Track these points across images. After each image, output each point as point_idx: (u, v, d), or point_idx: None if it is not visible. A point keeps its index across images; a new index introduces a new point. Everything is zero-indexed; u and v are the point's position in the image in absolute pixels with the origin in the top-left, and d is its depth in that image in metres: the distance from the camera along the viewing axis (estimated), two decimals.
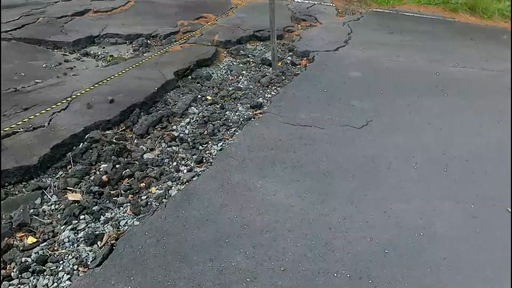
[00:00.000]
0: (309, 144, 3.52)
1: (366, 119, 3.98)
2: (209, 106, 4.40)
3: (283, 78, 5.09)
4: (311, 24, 7.20)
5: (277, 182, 3.02)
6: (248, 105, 4.44)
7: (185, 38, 5.97)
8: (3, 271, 2.53)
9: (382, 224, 2.69)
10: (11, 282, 2.43)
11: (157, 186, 3.20)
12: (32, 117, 3.38)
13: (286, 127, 3.77)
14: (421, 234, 2.64)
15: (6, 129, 3.34)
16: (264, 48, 6.10)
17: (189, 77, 4.98)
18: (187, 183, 3.17)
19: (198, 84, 4.88)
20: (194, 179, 3.19)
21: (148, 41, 5.82)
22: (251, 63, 5.61)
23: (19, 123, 3.48)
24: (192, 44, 5.65)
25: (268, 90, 4.79)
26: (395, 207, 2.85)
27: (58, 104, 3.94)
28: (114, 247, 2.42)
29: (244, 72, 5.33)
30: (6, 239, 2.73)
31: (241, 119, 4.14)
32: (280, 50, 5.92)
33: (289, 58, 5.76)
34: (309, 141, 3.57)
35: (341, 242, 2.51)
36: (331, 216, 2.72)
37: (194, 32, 6.20)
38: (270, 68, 5.40)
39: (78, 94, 4.01)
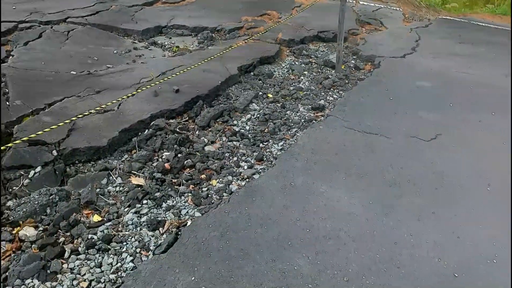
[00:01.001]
0: (374, 153, 3.40)
1: (435, 132, 3.78)
2: (270, 104, 4.38)
3: (346, 82, 4.97)
4: (376, 28, 6.99)
5: (341, 188, 2.94)
6: (310, 106, 4.38)
7: (249, 34, 5.99)
8: (71, 245, 2.65)
9: (452, 246, 2.53)
10: (78, 257, 2.53)
11: (218, 179, 3.23)
12: (105, 105, 3.52)
13: (351, 133, 3.67)
14: (494, 261, 2.46)
15: (87, 112, 3.51)
16: (327, 49, 6.00)
17: (251, 73, 4.99)
18: (247, 180, 3.17)
19: (260, 81, 4.88)
20: (255, 176, 3.19)
21: (213, 34, 5.89)
22: (313, 64, 5.53)
23: (102, 106, 3.64)
24: (256, 40, 5.66)
25: (330, 93, 4.70)
26: (466, 229, 2.68)
27: (128, 90, 4.08)
28: (178, 236, 2.46)
29: (305, 72, 5.26)
30: (74, 215, 2.86)
31: (302, 120, 4.08)
32: (343, 53, 5.78)
33: (352, 61, 5.62)
34: (375, 149, 3.45)
35: (407, 260, 2.40)
36: (396, 230, 2.61)
37: (257, 29, 6.20)
38: (333, 71, 5.29)
39: (148, 84, 4.13)
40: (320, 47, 6.05)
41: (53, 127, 2.80)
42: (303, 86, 4.85)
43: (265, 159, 3.47)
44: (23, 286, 2.34)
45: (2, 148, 3.05)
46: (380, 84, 4.78)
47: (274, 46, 5.61)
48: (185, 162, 3.41)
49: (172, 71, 4.56)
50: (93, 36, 5.31)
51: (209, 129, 3.91)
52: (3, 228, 2.74)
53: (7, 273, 2.43)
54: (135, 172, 3.29)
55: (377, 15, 7.61)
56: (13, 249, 2.61)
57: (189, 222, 2.71)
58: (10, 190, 3.00)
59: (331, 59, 5.51)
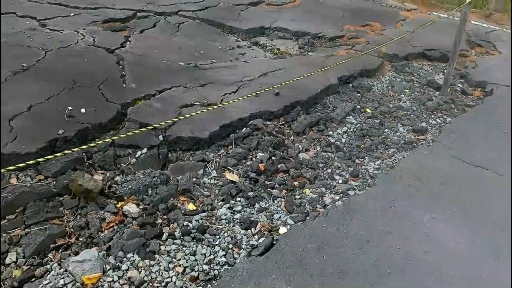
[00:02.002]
0: (484, 188, 3.13)
1: None
2: (367, 119, 4.24)
3: (452, 106, 4.65)
4: (488, 52, 6.46)
5: (445, 221, 2.74)
6: (410, 127, 4.16)
7: (350, 43, 5.87)
8: (167, 228, 2.78)
9: None
10: (174, 241, 2.65)
11: (311, 189, 3.19)
12: (216, 106, 3.65)
13: (458, 163, 3.42)
14: None
15: (195, 112, 3.67)
16: (431, 69, 5.66)
17: (350, 84, 4.88)
18: (341, 194, 3.09)
19: (358, 94, 4.75)
20: (350, 192, 3.10)
21: (314, 40, 5.86)
22: (415, 82, 5.26)
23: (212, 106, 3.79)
24: (357, 51, 5.52)
25: (433, 116, 4.43)
26: None
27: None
28: (275, 241, 2.46)
29: (406, 90, 5.02)
30: (172, 199, 3.00)
31: (401, 141, 3.89)
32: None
33: (459, 85, 5.24)
34: (484, 185, 3.17)
35: None
36: (508, 278, 2.37)
37: (359, 39, 6.05)
38: (437, 92, 4.99)
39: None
40: (424, 65, 5.73)
41: (174, 119, 2.96)
42: (403, 105, 4.63)
43: (360, 176, 3.36)
44: (124, 258, 2.50)
45: (113, 139, 3.30)
46: (492, 113, 4.40)
47: (376, 59, 5.43)
48: (279, 166, 3.42)
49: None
50: (201, 30, 5.56)
51: (304, 136, 3.88)
52: (109, 200, 2.96)
53: (110, 243, 2.61)
54: (230, 168, 3.37)
55: (490, 38, 7.02)
56: (116, 222, 2.81)
57: (281, 228, 2.71)
58: (119, 166, 3.23)
59: (436, 79, 5.20)
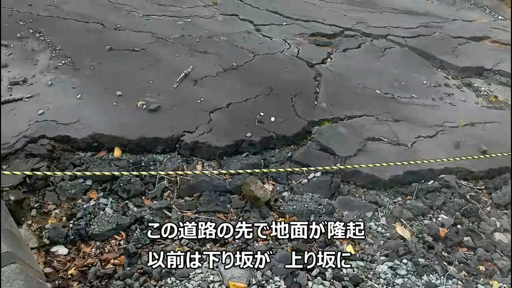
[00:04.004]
0: None
1: None
2: None
3: None
4: None
5: None
6: None
7: None
8: (320, 262, 2.59)
9: None
10: (323, 282, 2.47)
11: (501, 283, 2.54)
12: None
13: None
14: None
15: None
16: None
17: None
18: None
19: None
20: None
21: None
22: None
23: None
24: None
25: None
26: None
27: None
28: None
29: None
30: None
31: None
32: None
33: None
34: None
35: None
36: None
37: None
38: None
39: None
40: None
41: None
42: None
43: None
44: (270, 280, 2.45)
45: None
46: None
47: None
48: (465, 239, 2.86)
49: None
50: (407, 59, 5.12)
51: (506, 212, 3.16)
52: (272, 212, 2.96)
53: (261, 256, 2.58)
54: (403, 221, 2.99)
55: None
56: (273, 238, 2.77)
57: None
58: (290, 182, 3.20)
59: None
